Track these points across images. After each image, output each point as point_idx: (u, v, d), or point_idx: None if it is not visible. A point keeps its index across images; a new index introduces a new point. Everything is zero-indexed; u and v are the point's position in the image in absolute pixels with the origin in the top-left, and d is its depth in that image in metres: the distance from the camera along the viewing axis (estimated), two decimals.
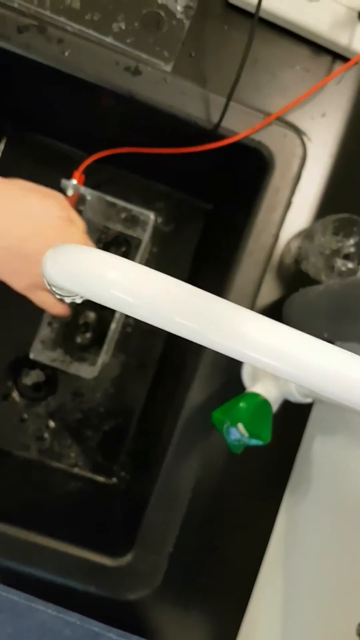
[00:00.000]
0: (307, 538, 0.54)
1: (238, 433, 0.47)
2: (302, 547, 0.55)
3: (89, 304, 0.71)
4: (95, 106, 0.60)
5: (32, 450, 0.74)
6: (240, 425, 0.46)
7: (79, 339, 0.72)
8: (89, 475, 0.74)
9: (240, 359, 0.26)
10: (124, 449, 0.75)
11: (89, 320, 0.72)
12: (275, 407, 0.49)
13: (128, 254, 0.66)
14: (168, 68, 0.56)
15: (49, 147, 0.72)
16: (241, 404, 0.47)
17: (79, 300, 0.38)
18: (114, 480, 0.74)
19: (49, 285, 0.32)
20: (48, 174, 0.74)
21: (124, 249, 0.69)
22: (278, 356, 0.24)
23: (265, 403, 0.48)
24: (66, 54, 0.55)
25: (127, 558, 0.56)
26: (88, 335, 0.72)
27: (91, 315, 0.72)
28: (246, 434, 0.46)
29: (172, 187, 0.76)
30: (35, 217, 0.46)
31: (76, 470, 0.74)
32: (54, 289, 0.35)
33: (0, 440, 0.73)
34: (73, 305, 0.60)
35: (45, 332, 0.69)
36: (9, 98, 0.65)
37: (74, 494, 0.72)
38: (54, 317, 0.70)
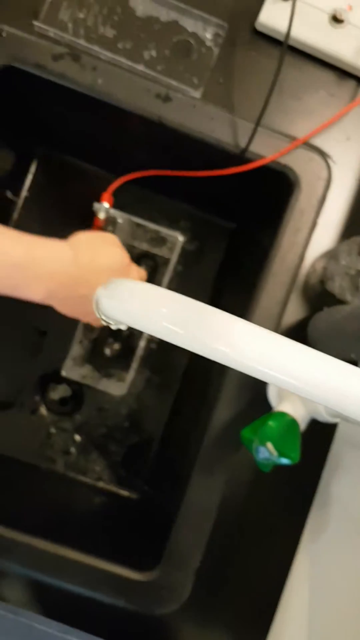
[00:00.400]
0: (331, 556, 0.55)
1: (267, 452, 0.47)
2: (326, 564, 0.55)
3: None
4: (125, 131, 0.62)
5: (59, 463, 0.75)
6: (269, 445, 0.47)
7: (107, 352, 0.73)
8: (114, 489, 0.75)
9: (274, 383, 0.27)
10: (147, 464, 0.77)
11: (117, 335, 0.74)
12: (303, 426, 0.50)
13: (155, 272, 0.68)
14: (197, 94, 0.58)
15: (78, 168, 0.75)
16: (270, 423, 0.48)
17: (124, 327, 0.40)
18: (138, 494, 0.75)
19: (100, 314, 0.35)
20: (76, 194, 0.76)
21: (150, 267, 0.71)
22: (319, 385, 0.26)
23: (293, 422, 0.49)
24: (99, 81, 0.57)
25: (155, 573, 0.57)
26: (116, 346, 0.74)
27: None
28: (275, 453, 0.47)
29: (196, 206, 0.77)
30: (106, 266, 0.53)
31: (101, 484, 0.75)
32: (103, 317, 0.37)
33: (28, 454, 0.74)
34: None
35: (76, 349, 0.71)
36: (42, 122, 0.67)
37: (99, 507, 0.73)
38: (85, 335, 0.73)
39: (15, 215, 0.74)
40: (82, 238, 0.54)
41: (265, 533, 0.60)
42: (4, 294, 0.49)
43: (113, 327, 0.39)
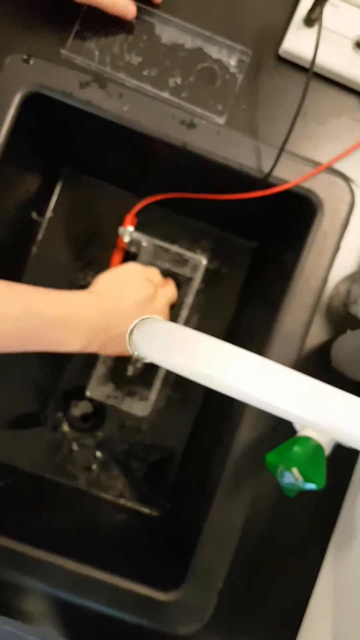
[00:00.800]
0: (355, 576, 0.55)
1: (292, 477, 0.48)
2: (350, 585, 0.55)
3: None
4: (149, 155, 0.63)
5: (81, 480, 0.76)
6: (294, 470, 0.48)
7: (130, 370, 0.74)
8: (135, 506, 0.76)
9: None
10: (169, 481, 0.77)
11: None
12: (328, 450, 0.51)
13: (178, 292, 0.68)
14: (222, 121, 0.59)
15: (102, 189, 0.76)
16: (295, 448, 0.49)
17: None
18: (160, 512, 0.76)
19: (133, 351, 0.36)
20: (99, 214, 0.77)
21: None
22: None
23: (318, 447, 0.50)
24: (125, 108, 0.58)
25: (178, 593, 0.58)
26: (139, 365, 0.75)
27: None
28: (301, 479, 0.47)
29: (218, 226, 0.78)
30: (132, 303, 0.56)
31: (122, 501, 0.76)
32: (136, 354, 0.39)
33: (51, 470, 0.75)
34: None
35: (100, 370, 0.72)
36: (68, 145, 0.69)
37: (121, 525, 0.74)
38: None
39: (40, 236, 0.75)
40: (103, 281, 0.56)
41: (289, 553, 0.60)
42: (46, 351, 0.51)
43: (148, 361, 0.40)
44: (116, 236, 0.66)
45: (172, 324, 0.31)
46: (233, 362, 0.27)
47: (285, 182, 0.59)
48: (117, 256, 0.71)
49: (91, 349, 0.54)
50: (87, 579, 0.57)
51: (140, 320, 0.37)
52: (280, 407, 0.27)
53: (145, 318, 0.40)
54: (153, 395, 0.68)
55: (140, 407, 0.68)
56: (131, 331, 0.41)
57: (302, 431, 0.52)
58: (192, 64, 0.60)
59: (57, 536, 0.63)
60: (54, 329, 0.50)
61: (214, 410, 0.74)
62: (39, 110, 0.60)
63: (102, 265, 0.76)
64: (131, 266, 0.59)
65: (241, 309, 0.77)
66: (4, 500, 0.67)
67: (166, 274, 0.71)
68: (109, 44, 0.60)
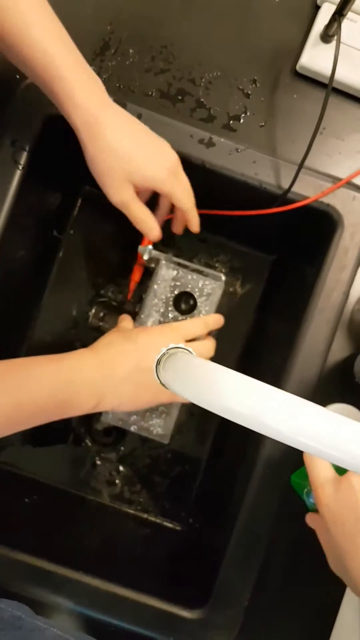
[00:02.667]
0: None
1: None
2: None
3: None
4: None
5: (104, 495, 0.76)
6: None
7: None
8: (158, 521, 0.76)
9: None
10: (191, 496, 0.77)
11: None
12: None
13: (194, 307, 0.68)
14: (240, 138, 0.59)
15: None
16: None
17: None
18: (183, 526, 0.76)
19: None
20: (118, 231, 0.78)
21: (191, 302, 0.72)
22: None
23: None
24: None
25: (204, 610, 0.58)
26: None
27: None
28: None
29: (236, 240, 0.78)
30: (128, 367, 0.53)
31: (145, 516, 0.76)
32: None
33: (75, 485, 0.76)
34: None
35: None
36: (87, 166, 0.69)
37: (145, 539, 0.74)
38: None
39: (61, 253, 0.76)
40: (104, 342, 0.55)
41: (314, 571, 0.59)
42: (60, 417, 0.50)
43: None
44: (135, 251, 0.67)
45: (200, 361, 0.31)
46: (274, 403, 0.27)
47: (304, 197, 0.59)
48: (137, 272, 0.72)
49: (104, 406, 0.53)
50: (113, 596, 0.57)
51: (167, 350, 0.37)
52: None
53: (172, 348, 0.40)
54: (172, 417, 0.67)
55: (161, 434, 0.67)
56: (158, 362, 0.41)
57: None
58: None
59: (82, 552, 0.64)
60: (60, 393, 0.49)
61: (235, 425, 0.74)
62: (58, 132, 0.61)
63: (123, 280, 0.77)
64: (126, 328, 0.59)
65: (260, 324, 0.77)
66: (30, 516, 0.68)
67: (185, 293, 0.71)
68: (128, 65, 0.60)
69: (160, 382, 0.34)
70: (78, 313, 0.77)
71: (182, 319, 0.57)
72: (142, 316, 0.61)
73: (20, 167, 0.58)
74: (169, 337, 0.55)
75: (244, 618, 0.58)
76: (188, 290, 0.58)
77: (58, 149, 0.65)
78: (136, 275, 0.72)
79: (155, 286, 0.56)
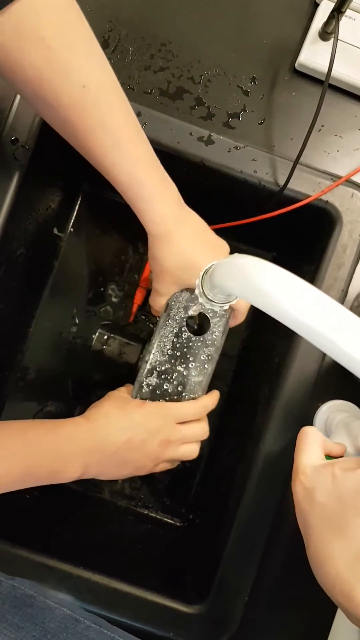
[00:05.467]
0: None
1: None
2: None
3: None
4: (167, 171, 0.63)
5: (105, 491, 0.77)
6: None
7: None
8: (159, 517, 0.77)
9: None
10: (191, 492, 0.78)
11: None
12: None
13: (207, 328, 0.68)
14: (239, 136, 0.59)
15: (121, 204, 0.76)
16: None
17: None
18: (183, 522, 0.76)
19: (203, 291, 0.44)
20: (118, 229, 0.78)
21: (204, 323, 0.71)
22: None
23: None
24: (143, 125, 0.59)
25: (204, 605, 0.58)
26: None
27: None
28: None
29: (235, 237, 0.78)
30: (122, 427, 0.54)
31: (145, 512, 0.77)
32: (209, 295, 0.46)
33: (76, 481, 0.76)
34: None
35: None
36: (87, 162, 0.69)
37: (145, 535, 0.74)
38: None
39: (61, 251, 0.76)
40: (101, 412, 0.55)
41: None
42: (45, 483, 0.51)
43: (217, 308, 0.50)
44: (136, 248, 0.67)
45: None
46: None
47: (304, 194, 0.59)
48: (139, 295, 0.74)
49: (91, 474, 0.54)
50: (113, 591, 0.57)
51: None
52: None
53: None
54: None
55: None
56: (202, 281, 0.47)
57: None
58: None
59: (83, 548, 0.64)
60: (49, 459, 0.50)
61: (234, 423, 0.75)
62: None
63: (123, 278, 0.77)
64: (120, 395, 0.59)
65: (259, 320, 0.77)
66: (31, 513, 0.68)
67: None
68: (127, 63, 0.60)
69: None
70: (78, 311, 0.78)
71: (195, 339, 0.58)
72: (153, 341, 0.60)
73: (21, 165, 0.58)
74: (164, 421, 0.56)
75: (243, 613, 0.58)
76: (201, 311, 0.58)
77: (58, 147, 0.66)
78: (138, 298, 0.73)
79: (168, 310, 0.57)
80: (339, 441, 0.52)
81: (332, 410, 0.58)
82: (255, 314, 0.79)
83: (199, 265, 0.52)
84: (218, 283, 0.46)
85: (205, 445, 0.79)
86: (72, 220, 0.77)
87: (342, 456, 0.47)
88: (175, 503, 0.77)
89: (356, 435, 0.51)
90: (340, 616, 0.58)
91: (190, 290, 0.57)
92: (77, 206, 0.77)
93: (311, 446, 0.45)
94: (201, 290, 0.52)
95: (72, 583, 0.57)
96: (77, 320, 0.78)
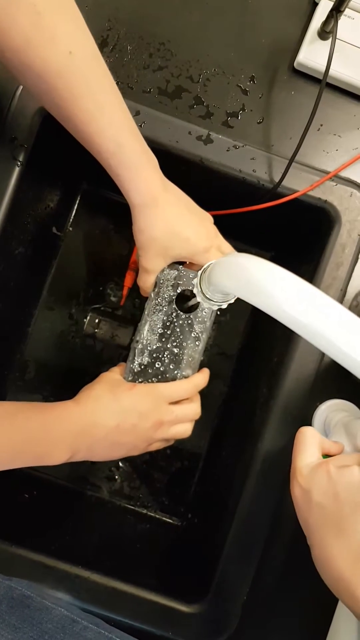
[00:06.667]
0: None
1: None
2: None
3: None
4: (166, 170, 0.63)
5: (103, 491, 0.77)
6: None
7: None
8: (157, 516, 0.77)
9: None
10: (190, 492, 0.78)
11: None
12: None
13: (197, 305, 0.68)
14: (237, 134, 0.59)
15: (119, 203, 0.76)
16: None
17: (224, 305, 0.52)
18: (181, 522, 0.76)
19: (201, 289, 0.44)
20: (116, 227, 0.78)
21: (193, 301, 0.71)
22: None
23: None
24: (142, 125, 0.59)
25: (202, 605, 0.58)
26: None
27: None
28: None
29: (233, 236, 0.78)
30: (111, 409, 0.54)
31: (144, 511, 0.77)
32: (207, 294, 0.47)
33: (74, 480, 0.76)
34: None
35: None
36: (86, 162, 0.69)
37: (144, 535, 0.74)
38: None
39: (60, 249, 0.76)
40: (91, 395, 0.54)
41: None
42: (33, 464, 0.51)
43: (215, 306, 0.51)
44: (133, 248, 0.67)
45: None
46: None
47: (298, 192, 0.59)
48: (129, 278, 0.72)
49: (80, 456, 0.53)
50: (112, 591, 0.57)
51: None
52: None
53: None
54: None
55: None
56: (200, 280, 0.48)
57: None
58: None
59: (81, 547, 0.64)
60: (35, 442, 0.50)
61: (233, 422, 0.75)
62: (57, 129, 0.61)
63: (122, 276, 0.77)
64: (113, 376, 0.58)
65: (258, 319, 0.77)
66: (30, 512, 0.68)
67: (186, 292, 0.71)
68: (126, 61, 0.60)
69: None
70: (77, 310, 0.78)
71: (185, 317, 0.57)
72: (143, 321, 0.60)
73: (19, 164, 0.58)
74: (155, 402, 0.55)
75: (242, 613, 0.58)
76: (190, 288, 0.57)
77: (57, 146, 0.66)
78: (128, 281, 0.72)
79: (157, 288, 0.56)
80: (338, 440, 0.52)
81: (331, 410, 0.58)
82: (255, 313, 0.79)
83: (185, 232, 0.52)
84: (216, 282, 0.46)
85: (204, 444, 0.79)
86: (71, 220, 0.77)
87: None
88: (174, 502, 0.77)
89: (355, 434, 0.51)
90: (339, 616, 0.58)
91: (177, 267, 0.57)
92: (76, 205, 0.77)
93: (308, 447, 0.44)
94: (199, 289, 0.51)
95: (71, 582, 0.57)
96: (75, 319, 0.78)
